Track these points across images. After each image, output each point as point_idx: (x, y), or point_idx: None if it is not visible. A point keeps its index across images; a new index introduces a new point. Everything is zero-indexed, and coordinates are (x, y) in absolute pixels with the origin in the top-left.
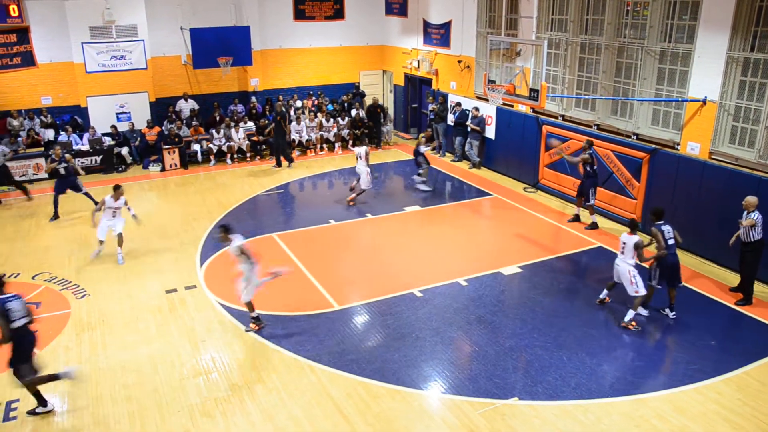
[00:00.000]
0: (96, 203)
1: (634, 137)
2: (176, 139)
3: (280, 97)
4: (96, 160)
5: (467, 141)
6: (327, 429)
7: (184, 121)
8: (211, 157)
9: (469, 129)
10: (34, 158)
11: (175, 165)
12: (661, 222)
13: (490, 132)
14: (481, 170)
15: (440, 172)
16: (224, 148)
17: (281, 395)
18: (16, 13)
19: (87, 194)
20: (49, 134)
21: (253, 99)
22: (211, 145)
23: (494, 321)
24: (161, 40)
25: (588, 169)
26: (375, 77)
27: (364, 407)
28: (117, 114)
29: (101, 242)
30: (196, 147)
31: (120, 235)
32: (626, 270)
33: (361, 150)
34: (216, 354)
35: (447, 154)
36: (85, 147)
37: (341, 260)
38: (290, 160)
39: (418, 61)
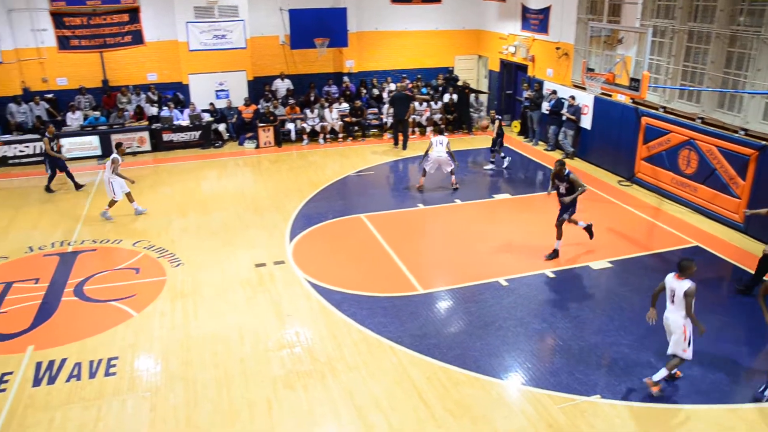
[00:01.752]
0: (77, 186)
1: (742, 132)
2: (271, 118)
3: (405, 78)
4: (195, 136)
5: (561, 130)
6: (405, 411)
7: (280, 100)
8: (304, 136)
9: (564, 118)
10: (139, 131)
11: (270, 143)
12: None
13: (586, 122)
14: (574, 161)
15: (532, 161)
16: (317, 128)
17: (362, 374)
18: None
19: (69, 174)
20: (153, 110)
21: (346, 79)
22: (304, 125)
23: (580, 315)
24: (260, 21)
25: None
26: (470, 62)
27: (444, 392)
28: (216, 91)
29: (118, 200)
30: (290, 126)
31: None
32: (680, 324)
33: (444, 139)
34: (300, 329)
35: (540, 143)
36: (185, 122)
37: (428, 244)
38: (406, 143)
39: (515, 47)
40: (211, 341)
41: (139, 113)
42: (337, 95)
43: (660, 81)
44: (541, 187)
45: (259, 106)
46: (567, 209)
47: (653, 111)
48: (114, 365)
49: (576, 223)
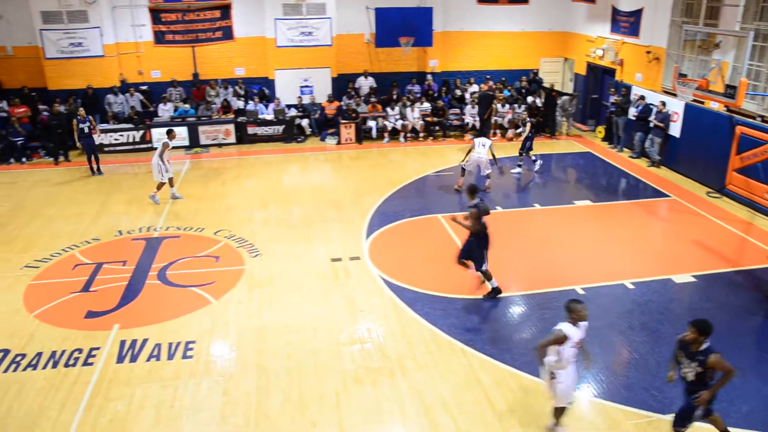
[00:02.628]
0: (94, 171)
1: None
2: (353, 115)
3: (488, 79)
4: (278, 130)
5: (648, 137)
6: (473, 414)
7: (363, 98)
8: (385, 134)
9: (651, 125)
10: (224, 124)
11: (351, 139)
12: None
13: (675, 129)
14: (660, 169)
15: (615, 169)
16: (398, 126)
17: (431, 374)
18: None
19: (96, 157)
20: (240, 104)
21: (429, 77)
22: (386, 123)
23: (659, 330)
24: (347, 19)
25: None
26: (555, 65)
27: (512, 398)
28: (301, 87)
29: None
30: (371, 123)
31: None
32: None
33: (487, 141)
34: (372, 325)
35: (625, 149)
36: (270, 116)
37: (504, 248)
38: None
39: (603, 50)
40: (285, 332)
41: (226, 106)
42: (419, 94)
43: (759, 88)
44: (624, 196)
45: (342, 103)
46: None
47: (750, 120)
48: (191, 348)
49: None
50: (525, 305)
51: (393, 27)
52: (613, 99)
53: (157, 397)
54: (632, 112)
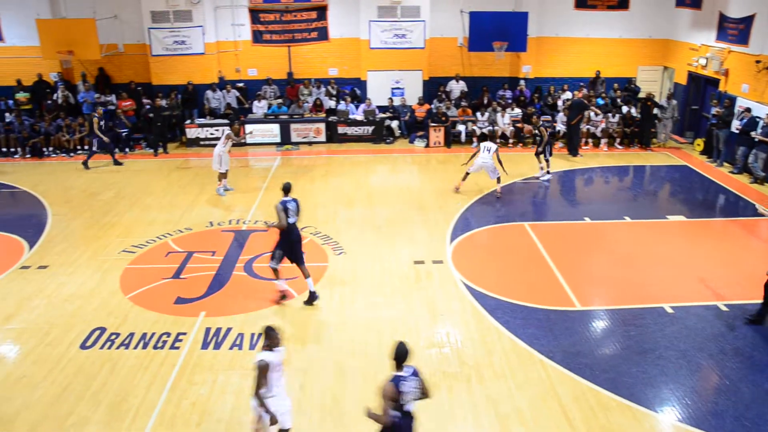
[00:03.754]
0: (87, 167)
1: None
2: (443, 118)
3: (582, 87)
4: (368, 130)
5: (752, 152)
6: (549, 427)
7: (453, 102)
8: (474, 139)
9: (756, 139)
10: (316, 123)
11: (439, 143)
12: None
13: None
14: (764, 186)
15: (713, 183)
16: (487, 132)
17: (508, 384)
18: None
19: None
20: (331, 103)
21: (522, 83)
22: (475, 127)
23: (754, 356)
24: (440, 22)
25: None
26: (654, 73)
27: (591, 415)
28: (392, 89)
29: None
30: (461, 127)
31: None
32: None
33: (493, 146)
34: (452, 330)
35: (725, 164)
36: (360, 117)
37: (590, 260)
38: (575, 149)
39: (707, 59)
40: (364, 330)
41: (318, 105)
42: (510, 100)
43: None
44: (721, 213)
45: (432, 106)
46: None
47: None
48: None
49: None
50: (609, 320)
51: (487, 31)
52: (714, 111)
53: (237, 385)
54: (735, 125)
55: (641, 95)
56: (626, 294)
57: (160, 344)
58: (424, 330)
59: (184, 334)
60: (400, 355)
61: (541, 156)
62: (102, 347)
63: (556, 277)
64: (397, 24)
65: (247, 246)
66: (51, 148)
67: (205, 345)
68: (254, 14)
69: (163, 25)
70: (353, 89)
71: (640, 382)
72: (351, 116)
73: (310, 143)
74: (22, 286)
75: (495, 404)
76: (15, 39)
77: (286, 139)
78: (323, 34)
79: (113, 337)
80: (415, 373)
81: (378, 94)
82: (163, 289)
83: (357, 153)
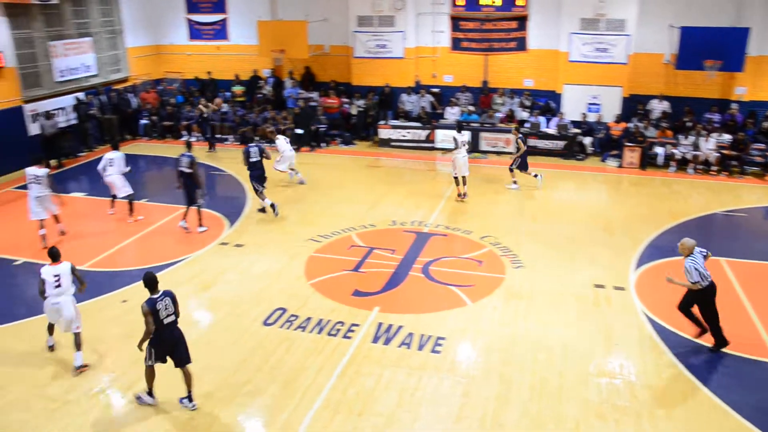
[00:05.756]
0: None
1: None
2: (640, 138)
3: None
4: (559, 145)
5: None
6: None
7: (653, 122)
8: (672, 163)
9: None
10: (506, 133)
11: (634, 163)
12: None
13: None
14: None
15: None
16: (688, 156)
17: (682, 427)
18: (523, 3)
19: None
20: (524, 114)
21: (734, 106)
22: (675, 151)
23: None
24: (646, 37)
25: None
26: None
27: None
28: (588, 104)
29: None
30: (658, 150)
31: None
32: None
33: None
34: (626, 361)
35: None
36: (552, 131)
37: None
38: None
39: None
40: (535, 347)
41: (510, 116)
42: (718, 124)
43: None
44: None
45: (630, 125)
46: None
47: None
48: (440, 344)
49: None
50: None
51: (698, 48)
52: None
53: (402, 383)
54: None
55: None
56: None
57: (333, 332)
58: (597, 356)
59: (357, 325)
60: (149, 282)
61: (516, 170)
62: (282, 326)
63: (753, 323)
64: (599, 37)
65: (426, 248)
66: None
67: (375, 339)
68: (455, 22)
69: (367, 28)
70: (547, 102)
71: None
72: (542, 129)
73: (498, 153)
74: (220, 260)
75: None
76: (238, 38)
77: (475, 146)
78: (522, 45)
79: (292, 318)
80: (167, 294)
81: (573, 108)
82: (343, 280)
83: (545, 167)
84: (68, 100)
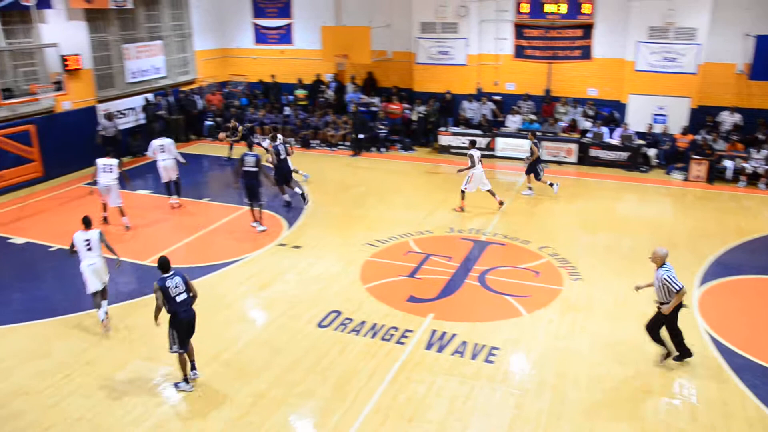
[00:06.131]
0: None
1: None
2: (708, 151)
3: None
4: (622, 156)
5: None
6: None
7: (722, 134)
8: (742, 178)
9: None
10: (568, 143)
11: (700, 177)
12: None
13: None
14: None
15: None
16: (760, 171)
17: None
18: (589, 11)
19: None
20: (587, 124)
21: None
22: (745, 165)
23: None
24: (717, 46)
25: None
26: None
27: None
28: (654, 115)
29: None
30: (727, 163)
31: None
32: None
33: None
34: (686, 381)
35: None
36: (615, 141)
37: None
38: None
39: None
40: (590, 362)
41: (573, 126)
42: None
43: None
44: None
45: (697, 137)
46: None
47: None
48: (494, 354)
49: None
50: None
51: None
52: None
53: (453, 391)
54: None
55: None
56: None
57: (387, 336)
58: (655, 375)
59: (411, 331)
60: (162, 264)
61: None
62: (336, 329)
63: None
64: (668, 46)
65: (483, 257)
66: (317, 141)
67: (428, 346)
68: (518, 29)
69: (430, 35)
70: (612, 112)
71: None
72: (606, 140)
73: (559, 163)
74: (278, 261)
75: None
76: (302, 43)
77: None
78: (586, 53)
79: (347, 321)
80: (178, 274)
81: (638, 118)
82: (398, 285)
83: (607, 178)
84: (138, 101)
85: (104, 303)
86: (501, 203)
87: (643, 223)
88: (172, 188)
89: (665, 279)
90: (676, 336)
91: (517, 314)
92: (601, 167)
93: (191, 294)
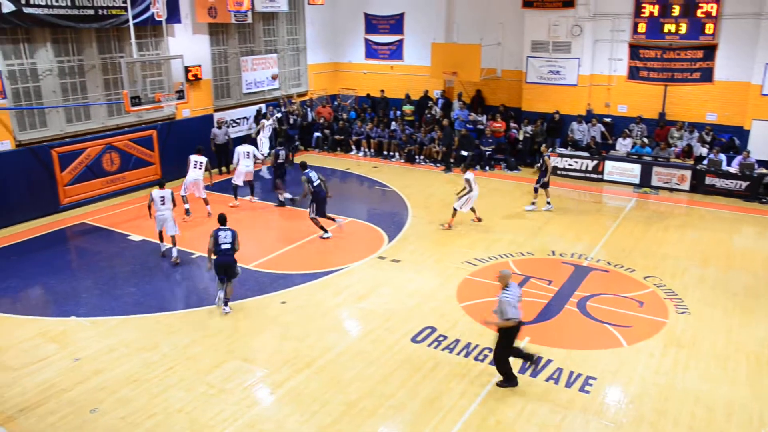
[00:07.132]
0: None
1: None
2: None
3: None
4: (741, 185)
5: None
6: None
7: None
8: None
9: None
10: (682, 169)
11: None
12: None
13: None
14: None
15: None
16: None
17: None
18: (711, 32)
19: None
20: (703, 150)
21: None
22: None
23: None
24: None
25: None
26: None
27: None
28: None
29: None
30: None
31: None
32: None
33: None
34: None
35: None
36: (734, 170)
37: None
38: None
39: None
40: (693, 402)
41: (687, 151)
42: None
43: None
44: None
45: None
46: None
47: None
48: (590, 384)
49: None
50: None
51: None
52: None
53: (543, 417)
54: None
55: None
56: None
57: (480, 357)
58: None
59: None
60: (221, 219)
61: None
62: (429, 345)
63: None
64: None
65: (584, 283)
66: (422, 157)
67: (522, 370)
68: (634, 50)
69: (541, 54)
70: (731, 138)
71: None
72: (724, 168)
73: (671, 189)
74: (376, 273)
75: None
76: (412, 59)
77: (645, 181)
78: (707, 76)
79: (441, 338)
80: (229, 230)
81: (762, 146)
82: (495, 305)
83: (723, 208)
84: (250, 111)
85: (175, 249)
86: (479, 219)
87: (762, 258)
88: (250, 188)
89: (501, 302)
90: (504, 360)
91: (618, 344)
92: (716, 196)
93: (233, 246)
